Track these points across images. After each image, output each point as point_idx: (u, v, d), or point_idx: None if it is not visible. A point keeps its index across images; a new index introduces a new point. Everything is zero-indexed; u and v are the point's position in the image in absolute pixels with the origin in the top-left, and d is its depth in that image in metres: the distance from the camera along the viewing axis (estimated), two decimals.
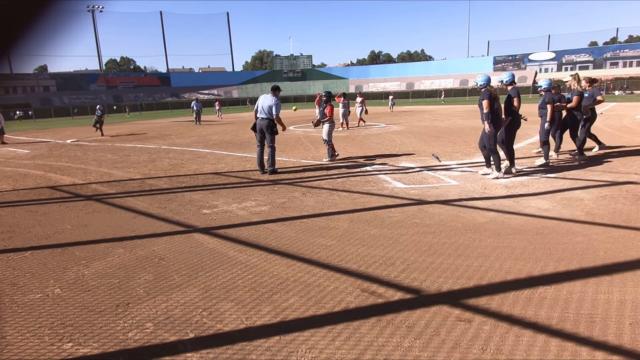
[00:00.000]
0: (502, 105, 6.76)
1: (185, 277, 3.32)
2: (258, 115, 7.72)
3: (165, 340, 2.44)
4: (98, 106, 20.78)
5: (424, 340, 2.35)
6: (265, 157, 7.89)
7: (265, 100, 7.65)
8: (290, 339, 2.41)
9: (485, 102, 6.36)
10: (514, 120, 6.78)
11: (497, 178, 6.59)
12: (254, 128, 7.90)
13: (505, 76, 6.94)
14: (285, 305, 2.81)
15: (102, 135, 19.13)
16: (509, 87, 6.87)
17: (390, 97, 31.50)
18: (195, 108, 24.93)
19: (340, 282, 3.14)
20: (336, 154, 9.36)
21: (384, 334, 2.42)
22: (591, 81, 8.04)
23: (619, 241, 3.77)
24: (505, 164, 7.01)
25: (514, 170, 6.94)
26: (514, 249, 3.65)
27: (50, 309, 2.86)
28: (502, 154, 6.90)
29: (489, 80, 6.57)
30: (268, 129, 7.66)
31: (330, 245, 3.94)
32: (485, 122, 6.43)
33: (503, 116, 6.75)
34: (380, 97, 64.07)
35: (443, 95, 55.02)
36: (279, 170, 8.00)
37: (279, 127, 7.83)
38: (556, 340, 2.30)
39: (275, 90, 7.88)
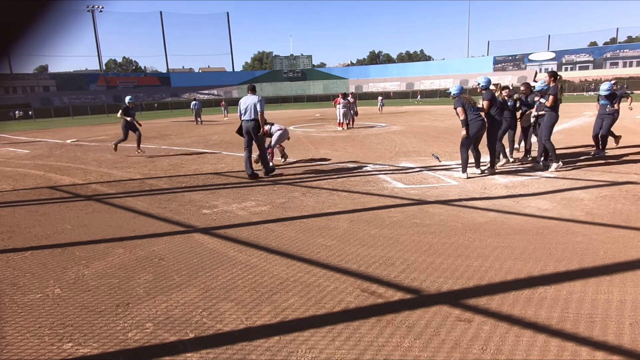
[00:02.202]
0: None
1: (185, 277, 3.32)
2: (244, 118, 7.39)
3: (165, 340, 2.44)
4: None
5: (424, 340, 2.35)
6: (254, 157, 7.79)
7: (249, 100, 7.35)
8: (290, 339, 2.41)
9: (459, 109, 6.70)
10: (495, 122, 7.07)
11: (461, 178, 6.80)
12: (239, 131, 7.62)
13: (481, 80, 7.11)
14: (285, 305, 2.81)
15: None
16: (484, 91, 7.02)
17: (380, 97, 31.38)
18: (195, 108, 25.08)
19: (340, 282, 3.14)
20: (273, 165, 8.16)
21: (384, 334, 2.42)
22: (503, 89, 8.02)
23: (619, 241, 3.77)
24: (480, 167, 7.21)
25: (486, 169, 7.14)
26: (514, 249, 3.66)
27: (50, 309, 2.86)
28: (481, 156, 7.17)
29: (462, 89, 6.99)
30: (254, 131, 7.35)
31: (330, 245, 3.94)
32: (463, 128, 6.71)
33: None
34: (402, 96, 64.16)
35: (419, 97, 56.14)
36: (275, 168, 7.89)
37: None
38: (556, 340, 2.30)
39: (254, 90, 7.59)
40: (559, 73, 7.44)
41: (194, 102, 25.68)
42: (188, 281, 3.24)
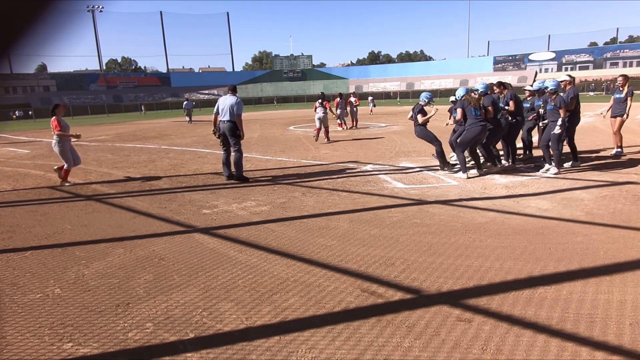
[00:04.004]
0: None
1: (185, 277, 3.32)
2: (220, 118, 7.10)
3: (165, 340, 2.44)
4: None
5: (424, 340, 2.35)
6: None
7: (227, 100, 7.06)
8: (290, 339, 2.41)
9: (459, 111, 6.88)
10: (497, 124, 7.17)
11: (462, 178, 6.83)
12: (216, 133, 7.25)
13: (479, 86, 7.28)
14: (285, 305, 2.81)
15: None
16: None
17: (370, 98, 31.35)
18: (187, 108, 26.62)
19: (340, 282, 3.14)
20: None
21: (384, 334, 2.42)
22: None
23: (619, 241, 3.77)
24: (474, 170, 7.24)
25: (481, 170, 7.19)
26: (514, 249, 3.65)
27: (50, 309, 2.86)
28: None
29: (467, 91, 7.05)
30: (231, 132, 7.04)
31: (330, 245, 3.94)
32: (454, 123, 6.97)
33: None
34: (380, 97, 64.06)
35: (398, 97, 57.65)
36: (250, 178, 7.33)
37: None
38: (556, 340, 2.30)
39: (235, 90, 7.37)
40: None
41: (186, 102, 27.48)
42: (188, 281, 3.24)
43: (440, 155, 7.29)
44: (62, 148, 7.33)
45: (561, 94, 6.89)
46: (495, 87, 7.66)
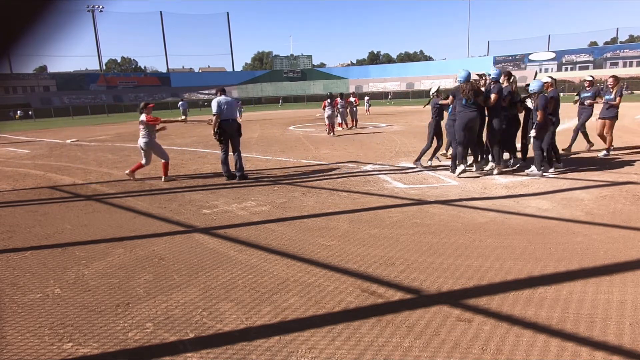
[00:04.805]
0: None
1: (185, 277, 3.32)
2: (226, 118, 7.14)
3: (165, 340, 2.44)
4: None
5: (424, 340, 2.35)
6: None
7: (229, 101, 7.29)
8: (290, 339, 2.41)
9: (449, 98, 6.83)
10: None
11: (459, 174, 6.81)
12: (219, 134, 7.22)
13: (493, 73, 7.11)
14: (285, 305, 2.81)
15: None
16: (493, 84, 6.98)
17: (367, 98, 31.25)
18: (182, 107, 27.60)
19: (340, 282, 3.14)
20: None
21: (384, 334, 2.42)
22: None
23: (619, 241, 3.77)
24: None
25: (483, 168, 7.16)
26: (514, 249, 3.65)
27: (50, 309, 2.86)
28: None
29: (468, 75, 6.74)
30: (238, 132, 7.37)
31: (330, 245, 3.94)
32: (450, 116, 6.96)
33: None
34: (380, 97, 64.00)
35: (390, 97, 57.29)
36: (248, 175, 7.61)
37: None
38: (556, 340, 2.30)
39: (224, 91, 7.50)
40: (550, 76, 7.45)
41: (181, 102, 28.76)
42: (188, 281, 3.24)
43: (454, 158, 7.14)
44: (153, 144, 7.38)
45: (545, 94, 6.85)
46: (504, 76, 7.52)
